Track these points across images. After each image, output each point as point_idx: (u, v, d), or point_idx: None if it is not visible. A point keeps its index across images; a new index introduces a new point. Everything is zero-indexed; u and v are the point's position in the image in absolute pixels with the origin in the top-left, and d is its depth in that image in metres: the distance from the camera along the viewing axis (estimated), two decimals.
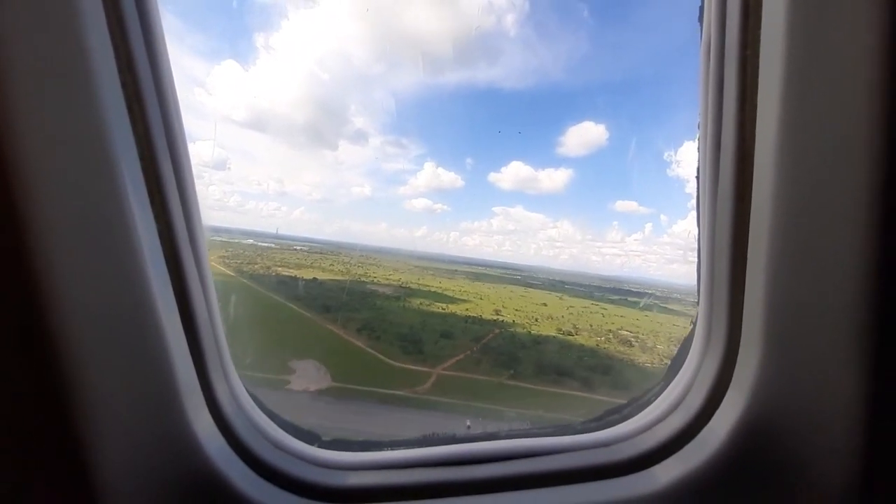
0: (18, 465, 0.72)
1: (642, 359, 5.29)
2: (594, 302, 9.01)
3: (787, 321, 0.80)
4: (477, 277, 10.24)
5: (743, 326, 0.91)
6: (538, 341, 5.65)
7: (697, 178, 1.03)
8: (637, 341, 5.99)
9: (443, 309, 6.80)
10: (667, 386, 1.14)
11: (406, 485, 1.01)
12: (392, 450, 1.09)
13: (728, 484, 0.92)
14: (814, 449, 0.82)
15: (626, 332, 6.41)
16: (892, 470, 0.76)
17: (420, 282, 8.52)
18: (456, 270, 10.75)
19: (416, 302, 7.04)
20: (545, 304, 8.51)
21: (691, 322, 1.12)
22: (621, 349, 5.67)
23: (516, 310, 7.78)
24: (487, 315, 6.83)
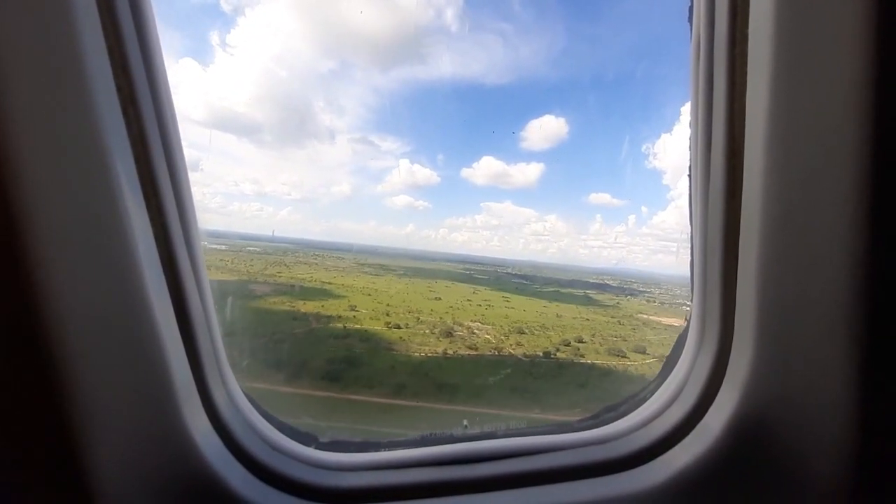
0: (15, 468, 0.72)
1: (433, 348, 5.07)
2: (505, 295, 8.73)
3: (779, 316, 0.81)
4: (416, 273, 10.00)
5: (736, 322, 0.92)
6: (338, 336, 5.47)
7: (689, 175, 1.03)
8: (467, 332, 5.74)
9: (292, 306, 6.68)
10: (662, 383, 1.14)
11: (404, 485, 1.01)
12: (389, 450, 1.09)
13: (724, 478, 0.92)
14: (807, 442, 0.82)
15: (470, 324, 6.14)
16: (883, 462, 0.77)
17: (325, 280, 8.38)
18: (400, 267, 10.54)
19: (270, 300, 6.93)
20: (439, 299, 8.29)
21: (686, 319, 1.13)
22: (428, 341, 5.43)
23: (388, 305, 7.54)
24: (337, 312, 6.66)
